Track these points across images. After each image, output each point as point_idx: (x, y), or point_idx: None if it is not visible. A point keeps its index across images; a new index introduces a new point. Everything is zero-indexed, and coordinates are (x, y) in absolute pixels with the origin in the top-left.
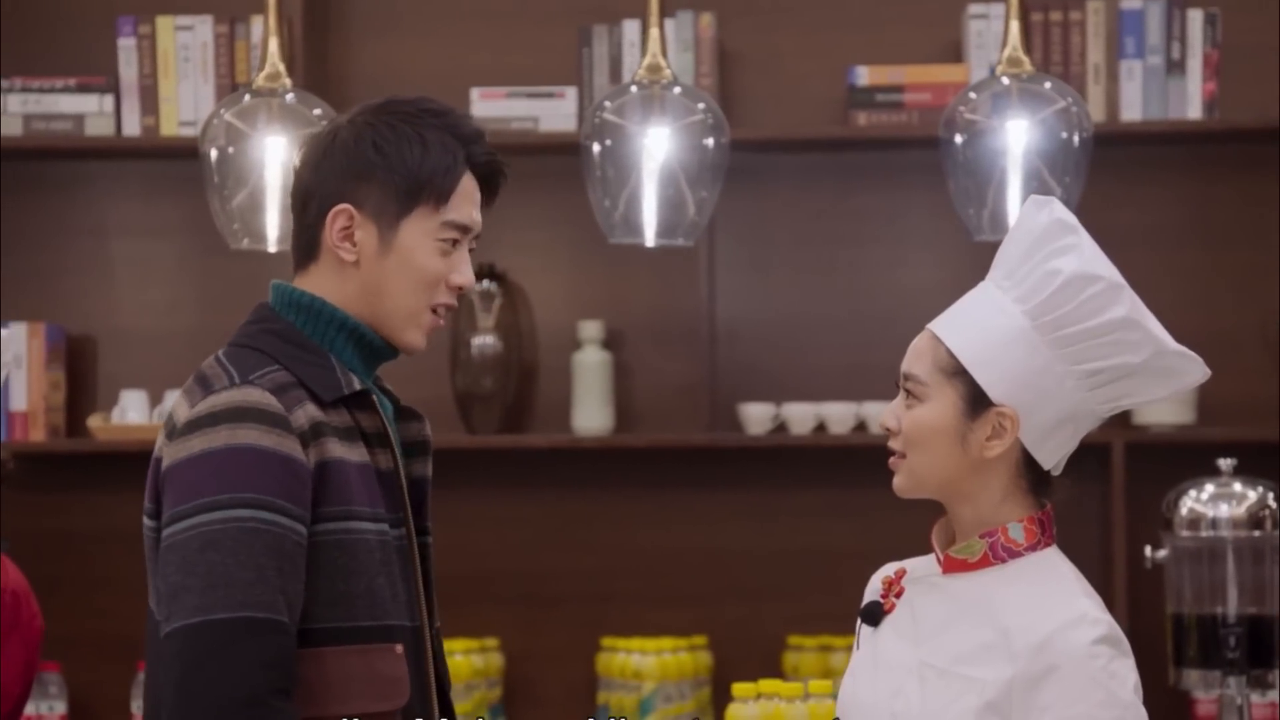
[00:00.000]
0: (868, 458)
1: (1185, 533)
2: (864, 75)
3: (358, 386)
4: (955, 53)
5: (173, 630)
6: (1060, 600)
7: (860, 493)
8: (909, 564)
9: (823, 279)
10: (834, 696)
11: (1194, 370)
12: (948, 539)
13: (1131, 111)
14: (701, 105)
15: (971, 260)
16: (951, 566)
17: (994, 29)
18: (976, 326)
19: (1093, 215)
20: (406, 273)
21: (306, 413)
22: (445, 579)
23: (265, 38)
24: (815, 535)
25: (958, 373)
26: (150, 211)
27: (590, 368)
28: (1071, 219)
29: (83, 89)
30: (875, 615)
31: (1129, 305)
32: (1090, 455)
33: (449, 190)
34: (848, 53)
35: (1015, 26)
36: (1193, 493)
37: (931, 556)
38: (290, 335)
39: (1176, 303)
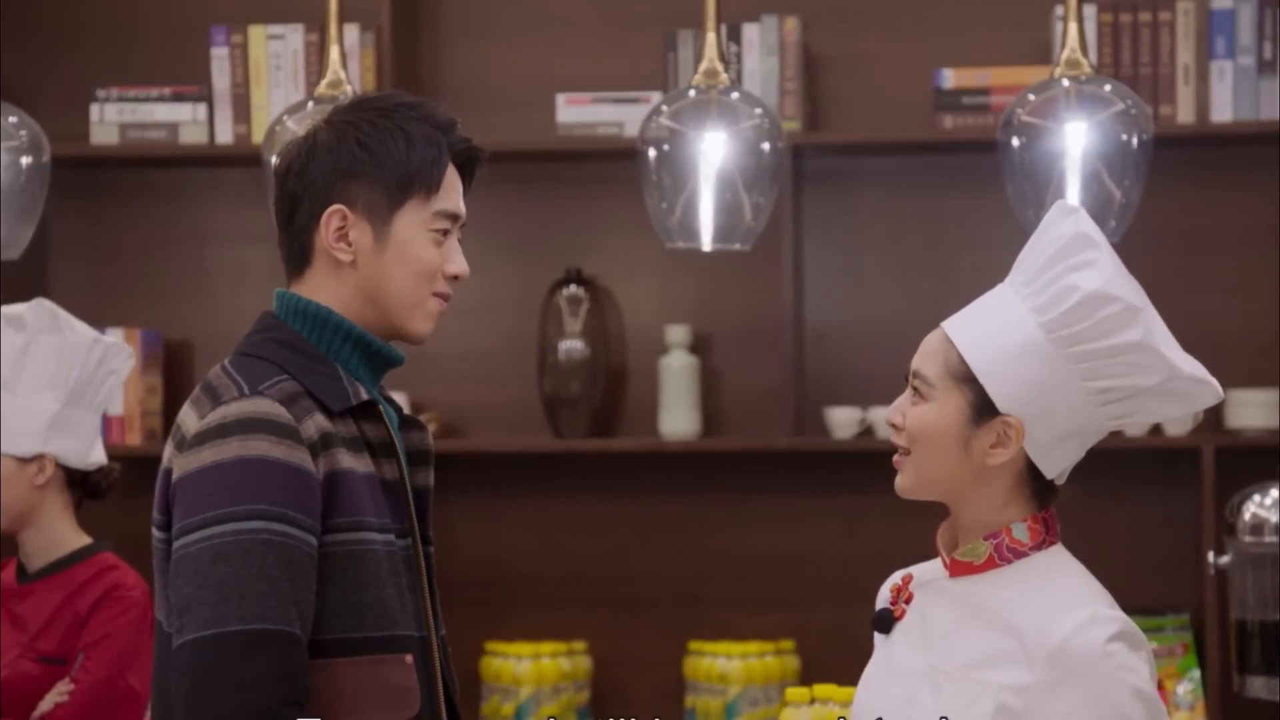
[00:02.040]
0: None
1: (1248, 538)
2: (949, 78)
3: (365, 396)
4: (1044, 54)
5: (185, 642)
6: (1069, 601)
7: None
8: (916, 569)
9: (909, 282)
10: None
11: (1208, 394)
12: (952, 541)
13: (1222, 113)
14: (758, 110)
15: None
16: (958, 570)
17: (1083, 30)
18: (991, 333)
19: (1182, 217)
20: (404, 266)
21: (316, 423)
22: (532, 582)
23: (325, 45)
24: (902, 539)
25: (967, 379)
26: (244, 218)
27: (677, 372)
28: (1096, 232)
29: (177, 98)
30: (887, 623)
31: (1144, 329)
32: (1181, 459)
33: (438, 180)
34: (934, 55)
35: (1074, 28)
36: (1256, 498)
37: (937, 560)
38: (297, 344)
39: (1268, 306)
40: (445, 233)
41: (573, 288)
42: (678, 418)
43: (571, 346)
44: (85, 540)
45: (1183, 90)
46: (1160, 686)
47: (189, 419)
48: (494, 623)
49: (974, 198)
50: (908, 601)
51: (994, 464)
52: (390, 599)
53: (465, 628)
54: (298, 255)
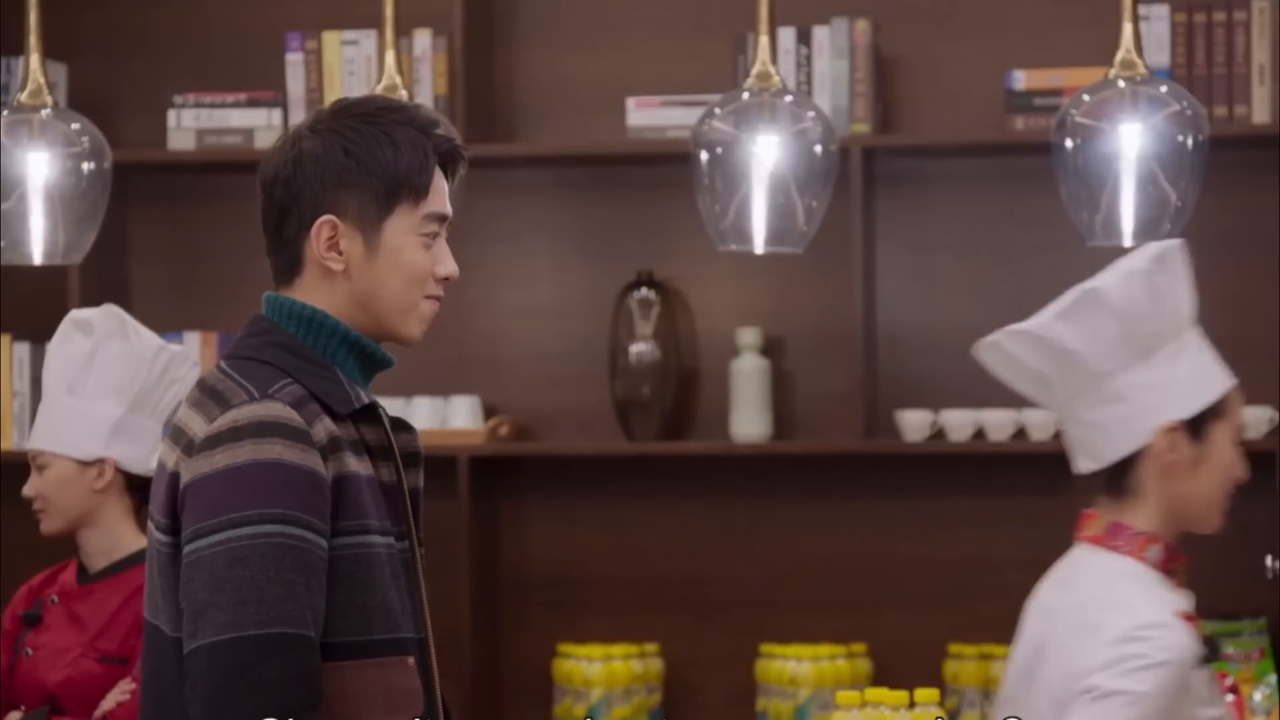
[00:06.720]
0: (1027, 464)
1: None
2: (1021, 79)
3: (365, 400)
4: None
5: (201, 646)
6: None
7: (1019, 500)
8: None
9: (982, 284)
10: (940, 705)
11: None
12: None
13: None
14: (811, 113)
15: None
16: None
17: (1155, 30)
18: None
19: (1258, 219)
20: (396, 272)
21: (325, 427)
22: (604, 584)
23: (382, 50)
24: (973, 543)
25: None
26: None
27: (748, 375)
28: None
29: (252, 103)
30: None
31: None
32: (1257, 462)
33: (426, 185)
34: (1005, 57)
35: (1128, 29)
36: None
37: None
38: (295, 348)
39: None
40: (434, 235)
41: (644, 291)
42: (749, 420)
43: (643, 349)
44: (145, 542)
45: (1258, 90)
46: (1236, 692)
47: (194, 423)
48: (566, 624)
49: (1046, 199)
50: None
51: None
52: (393, 602)
53: (537, 629)
54: (288, 264)
